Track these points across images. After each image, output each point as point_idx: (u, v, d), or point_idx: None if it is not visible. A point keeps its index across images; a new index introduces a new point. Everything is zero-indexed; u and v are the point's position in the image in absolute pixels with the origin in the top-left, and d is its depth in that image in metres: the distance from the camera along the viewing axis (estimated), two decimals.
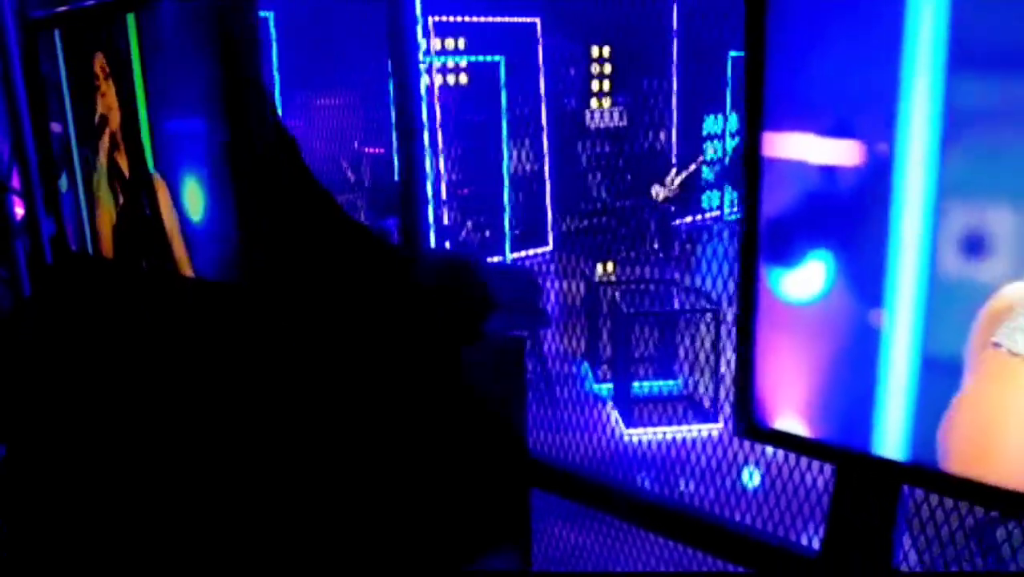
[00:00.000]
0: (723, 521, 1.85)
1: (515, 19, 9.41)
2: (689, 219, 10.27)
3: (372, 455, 2.00)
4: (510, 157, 9.62)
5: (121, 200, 2.21)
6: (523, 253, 9.68)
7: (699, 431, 5.60)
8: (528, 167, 9.87)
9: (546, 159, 9.74)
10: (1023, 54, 0.87)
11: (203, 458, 1.93)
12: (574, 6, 9.78)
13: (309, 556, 1.86)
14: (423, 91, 2.48)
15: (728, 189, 10.43)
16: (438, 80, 8.95)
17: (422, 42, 2.51)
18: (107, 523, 2.03)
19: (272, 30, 7.50)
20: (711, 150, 9.96)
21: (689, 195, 9.92)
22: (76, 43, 2.26)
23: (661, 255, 9.01)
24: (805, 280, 1.06)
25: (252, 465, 1.89)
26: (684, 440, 5.27)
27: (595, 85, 10.39)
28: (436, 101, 8.91)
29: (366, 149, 8.74)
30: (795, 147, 1.03)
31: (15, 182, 2.62)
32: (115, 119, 2.14)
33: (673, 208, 9.02)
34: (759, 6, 1.00)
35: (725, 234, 10.06)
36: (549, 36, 9.82)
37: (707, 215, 10.90)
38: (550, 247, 9.80)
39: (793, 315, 1.09)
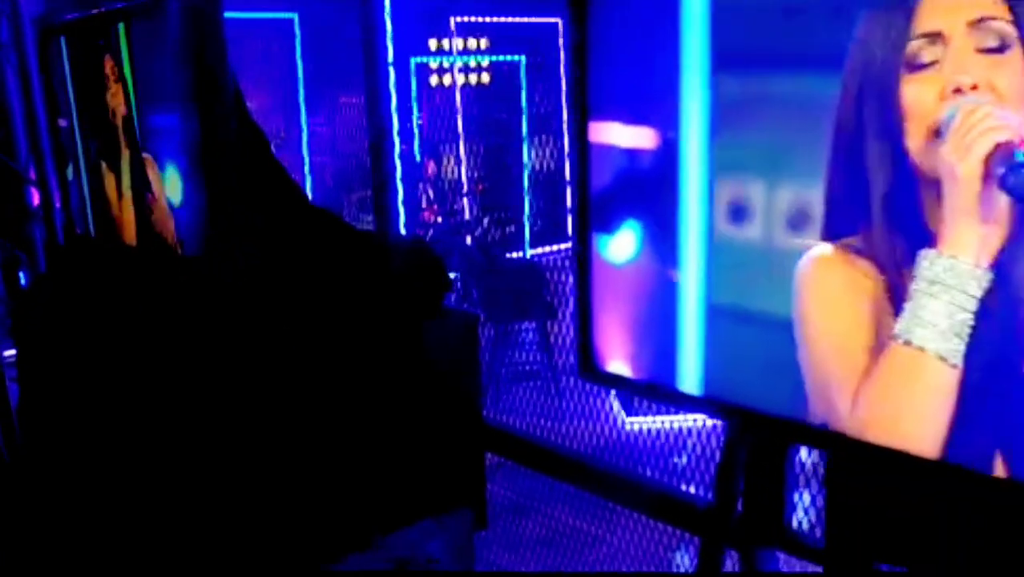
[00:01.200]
0: (634, 476, 2.09)
1: (537, 19, 9.62)
2: None
3: (339, 415, 2.25)
4: (531, 155, 9.83)
5: (129, 184, 2.48)
6: (543, 249, 9.88)
7: (703, 421, 5.75)
8: (549, 164, 10.07)
9: (567, 157, 9.93)
10: (764, 58, 1.09)
11: (185, 418, 2.20)
12: None
13: (278, 500, 2.12)
14: (393, 90, 2.74)
15: None
16: (460, 80, 9.19)
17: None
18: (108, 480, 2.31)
19: (296, 30, 7.82)
20: None
21: None
22: (82, 47, 2.54)
23: None
24: (622, 245, 1.29)
25: (234, 422, 2.14)
26: (682, 428, 5.42)
27: None
28: (459, 100, 9.18)
29: None
30: (610, 134, 1.26)
31: (31, 174, 2.93)
32: (121, 114, 2.43)
33: None
34: (581, 22, 1.23)
35: None
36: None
37: None
38: (570, 243, 9.98)
39: (616, 275, 1.31)
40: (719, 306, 1.21)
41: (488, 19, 8.99)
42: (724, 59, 1.13)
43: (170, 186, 2.25)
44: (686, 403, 1.26)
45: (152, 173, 2.32)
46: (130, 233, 2.45)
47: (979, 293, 0.95)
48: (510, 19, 9.22)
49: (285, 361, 2.17)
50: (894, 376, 1.02)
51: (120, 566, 2.13)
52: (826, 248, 1.07)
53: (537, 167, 10.24)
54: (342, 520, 2.30)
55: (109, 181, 2.51)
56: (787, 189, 1.09)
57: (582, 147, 1.29)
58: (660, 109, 1.20)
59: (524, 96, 9.14)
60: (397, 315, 2.42)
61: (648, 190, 1.24)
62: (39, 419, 2.42)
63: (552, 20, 9.95)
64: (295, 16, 7.64)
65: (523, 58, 9.00)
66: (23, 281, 3.07)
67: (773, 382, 1.16)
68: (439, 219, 8.62)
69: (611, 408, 6.25)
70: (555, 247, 10.17)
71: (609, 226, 1.31)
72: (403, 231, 2.94)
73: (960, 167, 0.94)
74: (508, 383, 6.69)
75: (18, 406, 2.94)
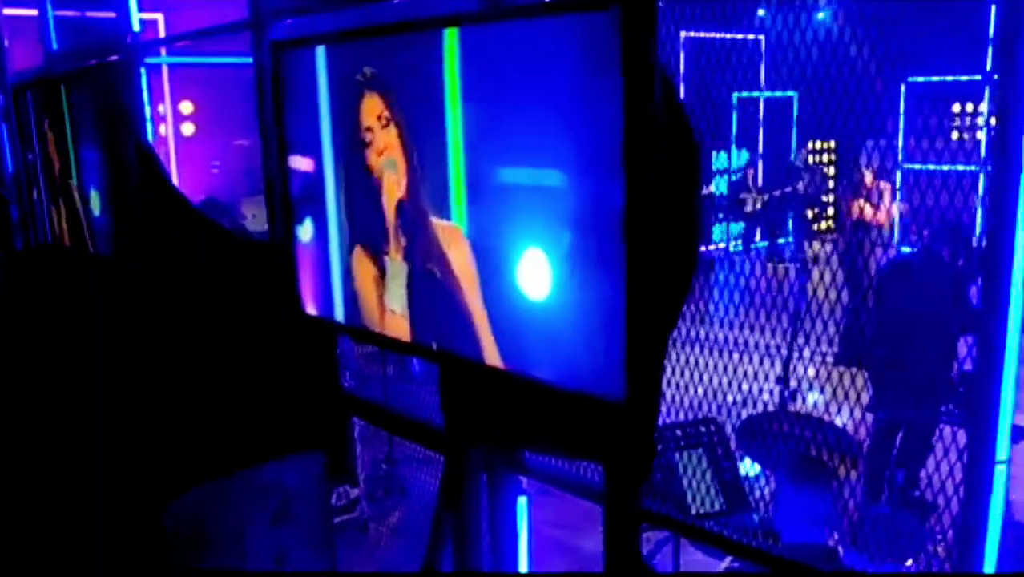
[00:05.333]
0: (417, 417, 2.94)
1: None
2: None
3: (220, 376, 3.12)
4: None
5: (65, 206, 3.44)
6: None
7: None
8: None
9: None
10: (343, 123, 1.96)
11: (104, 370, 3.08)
12: None
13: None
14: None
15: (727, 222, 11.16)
16: None
17: None
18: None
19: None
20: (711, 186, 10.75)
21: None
22: (43, 101, 3.51)
23: None
24: (307, 232, 2.15)
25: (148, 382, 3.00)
26: None
27: None
28: None
29: None
30: (296, 162, 2.13)
31: (14, 197, 3.91)
32: (56, 155, 3.39)
33: None
34: (278, 97, 2.11)
35: (726, 264, 10.87)
36: None
37: (717, 245, 11.63)
38: None
39: (306, 251, 2.18)
40: (346, 266, 2.06)
41: None
42: (335, 121, 2.00)
43: (93, 204, 3.19)
44: (339, 330, 2.10)
45: (80, 197, 3.27)
46: (67, 239, 3.39)
47: (405, 277, 1.81)
48: None
49: (178, 334, 3.04)
50: (389, 322, 1.87)
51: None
52: (359, 248, 1.95)
53: None
54: (226, 451, 3.15)
55: (56, 202, 3.47)
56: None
57: (283, 171, 2.17)
58: (314, 148, 2.07)
59: None
60: (269, 302, 3.27)
61: (311, 192, 2.11)
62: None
63: None
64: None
65: None
66: None
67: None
68: None
69: None
70: None
71: (302, 219, 2.18)
72: None
73: (387, 211, 1.80)
74: None
75: None
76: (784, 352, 3.79)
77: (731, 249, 11.41)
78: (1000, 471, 1.97)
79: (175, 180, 8.58)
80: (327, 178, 2.06)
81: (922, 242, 4.92)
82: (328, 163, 2.05)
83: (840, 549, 3.43)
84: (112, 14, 5.12)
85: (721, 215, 11.48)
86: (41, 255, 3.59)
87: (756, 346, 4.41)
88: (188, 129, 9.08)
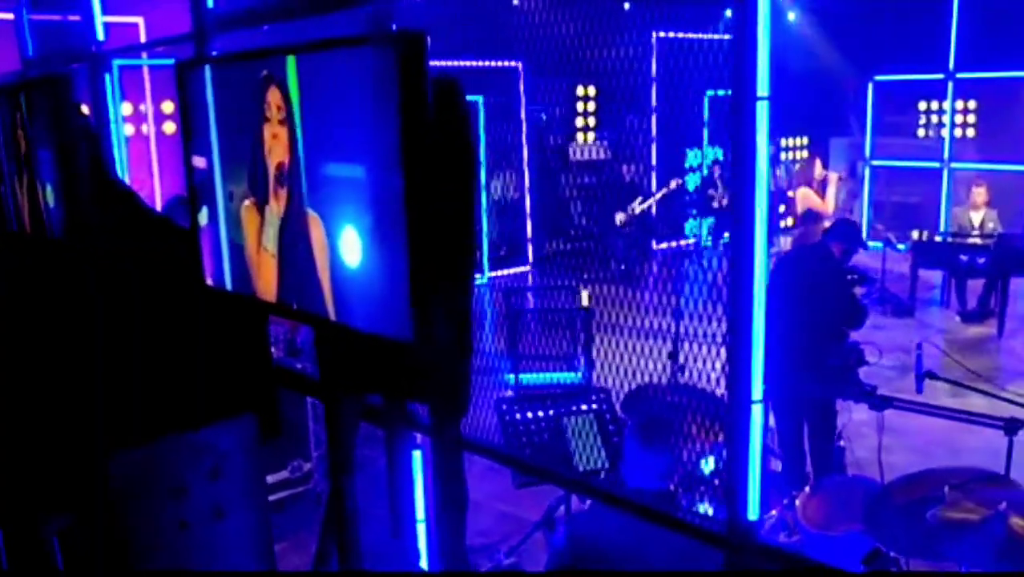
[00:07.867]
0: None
1: (499, 63, 11.06)
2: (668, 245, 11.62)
3: (159, 347, 3.63)
4: (494, 187, 11.26)
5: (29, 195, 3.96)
6: (504, 272, 11.23)
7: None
8: (512, 195, 11.48)
9: (526, 188, 11.31)
10: (231, 123, 2.48)
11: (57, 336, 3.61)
12: (559, 51, 11.40)
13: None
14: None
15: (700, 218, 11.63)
16: None
17: None
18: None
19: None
20: (677, 182, 11.22)
21: (656, 222, 11.26)
22: (10, 105, 4.04)
23: (623, 269, 10.46)
24: (203, 216, 2.68)
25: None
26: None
27: (580, 121, 11.96)
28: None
29: None
30: (197, 161, 2.67)
31: None
32: (22, 150, 3.91)
33: (628, 230, 10.44)
34: (185, 109, 2.64)
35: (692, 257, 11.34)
36: (533, 78, 11.43)
37: (688, 241, 12.11)
38: (529, 267, 11.35)
39: (205, 231, 2.71)
40: (231, 242, 2.60)
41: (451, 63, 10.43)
42: (220, 125, 2.53)
43: (48, 196, 3.72)
44: (228, 298, 2.64)
45: (40, 189, 3.80)
46: (28, 226, 3.94)
47: (278, 224, 2.33)
48: (472, 63, 10.64)
49: (121, 309, 3.56)
50: (261, 261, 2.40)
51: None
52: (248, 201, 2.47)
53: (501, 198, 11.61)
54: (165, 416, 3.66)
55: (20, 193, 4.00)
56: (240, 182, 2.49)
57: (189, 167, 2.71)
58: (206, 149, 2.60)
59: (483, 133, 10.56)
60: (196, 282, 3.75)
61: (207, 187, 2.64)
62: None
63: (513, 64, 11.39)
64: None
65: (480, 98, 10.45)
66: None
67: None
68: None
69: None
70: (515, 270, 11.51)
71: (200, 207, 2.72)
72: None
73: (271, 169, 2.31)
74: None
75: None
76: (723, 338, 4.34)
77: (703, 244, 11.87)
78: (755, 410, 2.46)
79: (156, 177, 9.13)
80: (214, 169, 2.60)
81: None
82: (215, 157, 2.59)
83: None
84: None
85: (694, 211, 11.94)
86: (6, 243, 4.15)
87: (695, 333, 4.93)
88: (170, 128, 9.61)
